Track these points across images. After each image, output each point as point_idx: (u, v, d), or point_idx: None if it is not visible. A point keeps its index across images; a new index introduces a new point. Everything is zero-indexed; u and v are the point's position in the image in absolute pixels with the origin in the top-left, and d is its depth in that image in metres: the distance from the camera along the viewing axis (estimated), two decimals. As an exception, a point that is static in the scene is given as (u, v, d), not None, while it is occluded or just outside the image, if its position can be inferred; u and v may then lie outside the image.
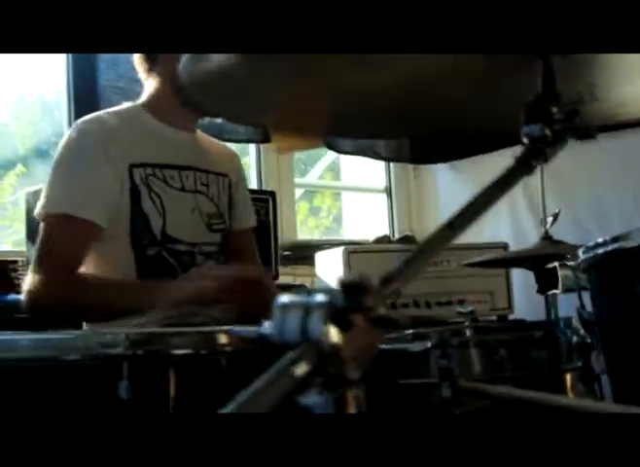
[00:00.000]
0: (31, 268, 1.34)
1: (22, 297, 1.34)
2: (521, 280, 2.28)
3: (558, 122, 0.63)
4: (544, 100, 0.63)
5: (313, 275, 2.46)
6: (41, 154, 2.43)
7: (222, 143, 1.69)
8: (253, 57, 0.67)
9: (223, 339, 0.79)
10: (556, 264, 1.30)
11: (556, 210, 1.47)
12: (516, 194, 2.65)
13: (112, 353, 0.74)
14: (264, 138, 2.71)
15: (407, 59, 0.71)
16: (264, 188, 2.60)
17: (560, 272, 1.30)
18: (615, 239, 1.00)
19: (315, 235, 3.03)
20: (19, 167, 2.43)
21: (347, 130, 0.97)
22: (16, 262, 2.12)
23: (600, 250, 1.02)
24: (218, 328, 0.82)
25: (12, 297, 1.95)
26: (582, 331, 1.12)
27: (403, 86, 0.74)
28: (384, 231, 2.99)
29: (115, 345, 0.75)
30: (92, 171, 1.36)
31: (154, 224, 1.40)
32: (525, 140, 0.64)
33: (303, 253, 2.62)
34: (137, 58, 1.50)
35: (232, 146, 2.21)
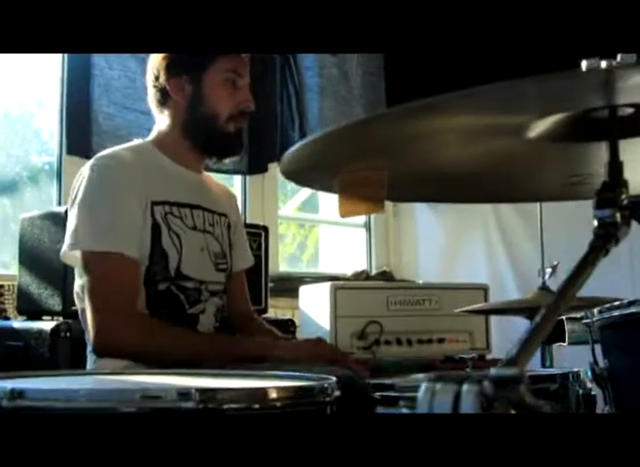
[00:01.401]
0: (90, 306, 1.32)
1: (91, 337, 1.32)
2: (498, 321, 2.34)
3: (626, 207, 0.67)
4: (613, 186, 0.68)
5: (295, 308, 2.46)
6: (31, 179, 2.38)
7: (220, 182, 1.71)
8: (335, 134, 0.69)
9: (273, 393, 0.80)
10: (564, 317, 1.34)
11: (555, 262, 1.52)
12: (495, 239, 2.72)
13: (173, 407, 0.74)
14: (250, 169, 2.73)
15: (483, 138, 0.76)
16: (248, 220, 2.60)
17: (567, 326, 1.34)
18: (631, 303, 1.06)
19: (294, 268, 3.04)
20: (8, 192, 2.37)
21: (408, 196, 1.00)
22: (2, 286, 2.06)
23: (616, 312, 1.08)
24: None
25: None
26: (588, 384, 1.16)
27: (479, 159, 0.78)
28: (362, 265, 3.03)
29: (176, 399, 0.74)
30: (124, 207, 1.37)
31: (171, 261, 1.40)
32: (596, 224, 0.67)
33: (286, 285, 2.63)
34: (150, 91, 1.51)
35: (219, 177, 2.22)
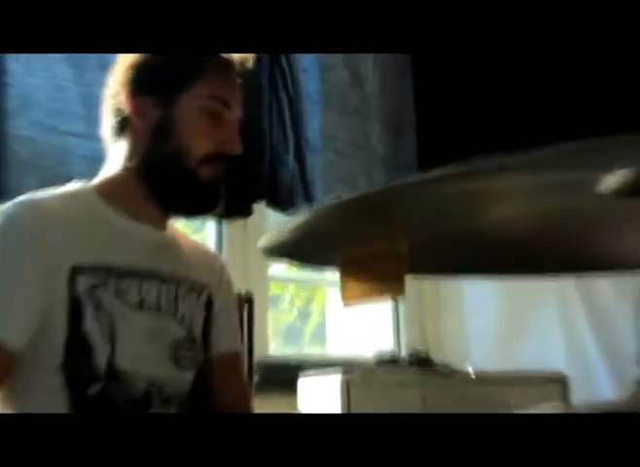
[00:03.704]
0: None
1: None
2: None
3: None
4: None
5: (292, 409, 2.44)
6: None
7: (203, 246, 1.74)
8: (339, 209, 0.72)
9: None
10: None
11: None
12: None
13: None
14: (227, 212, 2.74)
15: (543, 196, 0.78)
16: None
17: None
18: None
19: (291, 346, 3.03)
20: None
21: (442, 268, 1.03)
22: None
23: None
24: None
25: None
26: None
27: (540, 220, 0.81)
28: (387, 345, 3.03)
29: None
30: (13, 276, 1.37)
31: (98, 353, 1.40)
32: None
33: (279, 376, 2.61)
34: (105, 112, 1.54)
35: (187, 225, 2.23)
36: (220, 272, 1.67)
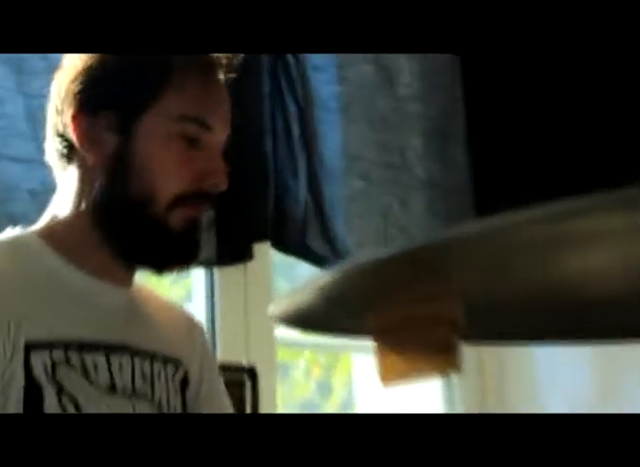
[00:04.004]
0: None
1: None
2: None
3: None
4: None
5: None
6: None
7: (170, 302, 1.79)
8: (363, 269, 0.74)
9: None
10: None
11: None
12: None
13: None
14: (220, 256, 2.70)
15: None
16: (218, 355, 2.58)
17: None
18: None
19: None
20: None
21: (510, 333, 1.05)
22: None
23: None
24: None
25: None
26: None
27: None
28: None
29: None
30: None
31: None
32: None
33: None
34: (48, 132, 1.55)
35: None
36: (196, 339, 1.70)
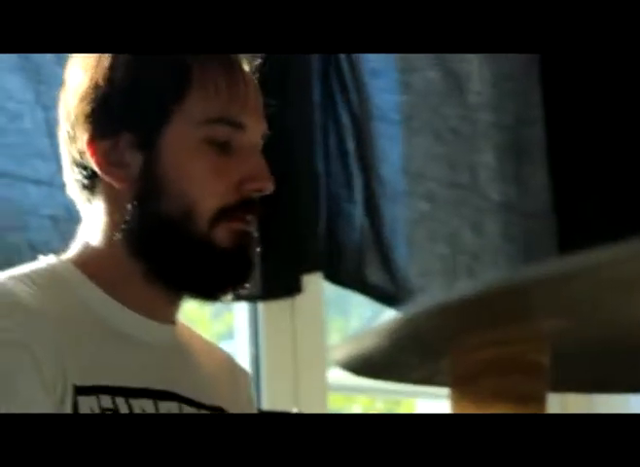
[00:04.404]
0: None
1: None
2: None
3: None
4: None
5: None
6: None
7: (212, 343, 1.80)
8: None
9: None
10: None
11: None
12: None
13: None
14: (265, 291, 2.72)
15: None
16: (263, 403, 2.60)
17: None
18: None
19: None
20: None
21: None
22: None
23: None
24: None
25: None
26: None
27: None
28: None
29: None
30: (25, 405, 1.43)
31: None
32: None
33: None
34: (65, 161, 1.57)
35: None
36: (242, 388, 1.75)
